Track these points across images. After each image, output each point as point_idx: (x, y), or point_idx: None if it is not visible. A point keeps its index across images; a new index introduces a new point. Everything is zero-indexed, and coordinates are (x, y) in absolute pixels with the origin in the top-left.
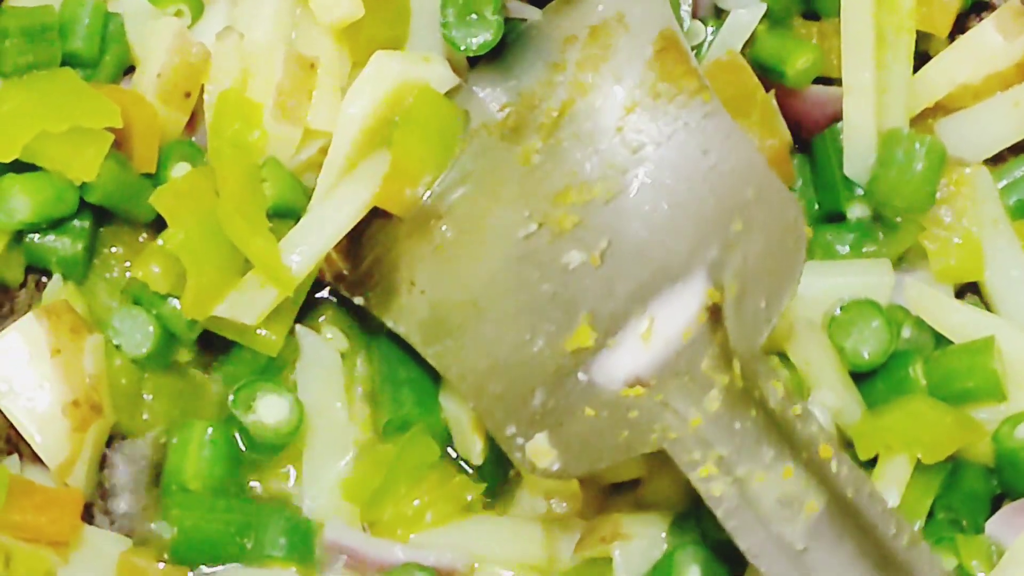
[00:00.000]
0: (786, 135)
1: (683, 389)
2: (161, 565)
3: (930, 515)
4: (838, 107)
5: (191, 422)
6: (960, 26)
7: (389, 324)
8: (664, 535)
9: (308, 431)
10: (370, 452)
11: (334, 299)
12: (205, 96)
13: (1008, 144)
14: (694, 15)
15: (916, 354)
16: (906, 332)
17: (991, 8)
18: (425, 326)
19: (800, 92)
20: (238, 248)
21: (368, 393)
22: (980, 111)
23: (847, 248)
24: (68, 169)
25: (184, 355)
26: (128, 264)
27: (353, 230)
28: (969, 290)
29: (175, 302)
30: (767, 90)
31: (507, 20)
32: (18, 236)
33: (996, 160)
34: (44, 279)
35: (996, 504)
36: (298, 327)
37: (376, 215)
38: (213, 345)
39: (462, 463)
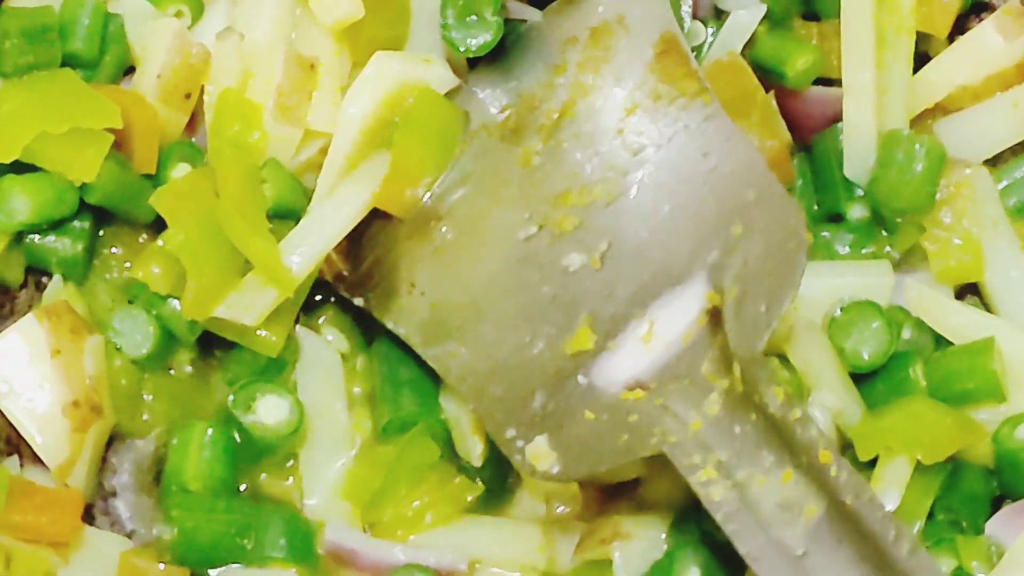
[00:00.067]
0: (786, 136)
1: (683, 393)
2: (161, 566)
3: (930, 516)
4: (838, 108)
5: (191, 423)
6: (960, 27)
7: (389, 325)
8: (664, 536)
9: (308, 432)
10: (370, 453)
11: (334, 300)
12: (205, 97)
13: (1008, 145)
14: (694, 16)
15: (916, 355)
16: (906, 333)
17: (991, 9)
18: (425, 328)
19: (800, 93)
20: (238, 249)
21: (368, 394)
22: (980, 112)
23: (847, 249)
24: (68, 170)
25: (184, 356)
26: (128, 265)
27: (353, 231)
28: (969, 291)
29: (175, 303)
30: (767, 91)
31: (507, 21)
32: (18, 237)
33: (996, 161)
34: (44, 280)
35: (996, 505)
36: (298, 328)
37: (376, 216)
38: (213, 346)
39: (462, 464)
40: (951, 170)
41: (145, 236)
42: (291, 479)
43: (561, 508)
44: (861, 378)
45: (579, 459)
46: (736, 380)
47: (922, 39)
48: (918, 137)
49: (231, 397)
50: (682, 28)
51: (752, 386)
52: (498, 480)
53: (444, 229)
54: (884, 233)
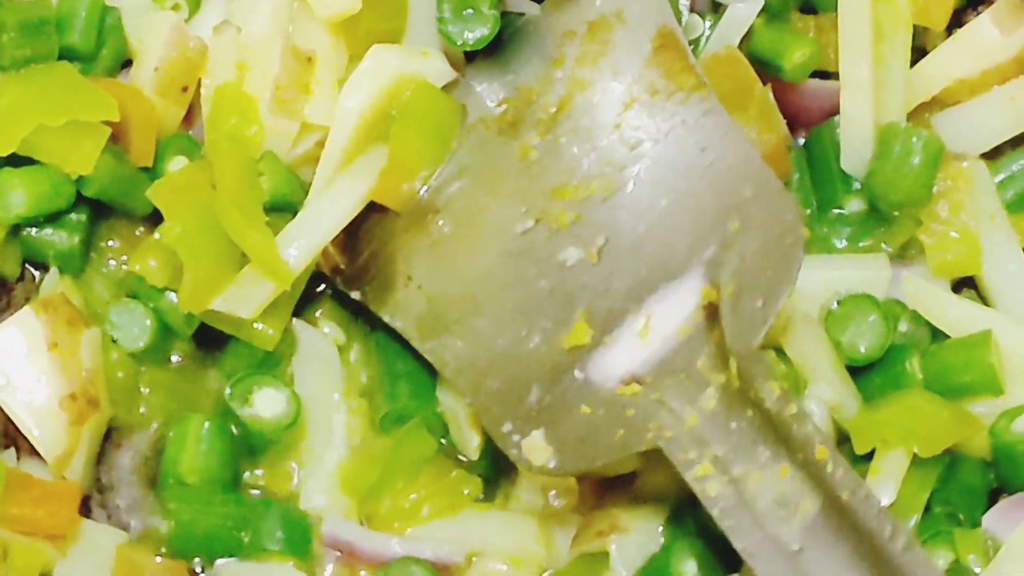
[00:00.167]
0: (783, 129)
1: (679, 388)
2: (158, 559)
3: (927, 509)
4: (835, 101)
5: (188, 416)
6: (957, 20)
7: (386, 319)
8: (660, 529)
9: (305, 425)
10: (367, 446)
11: (331, 293)
12: (202, 90)
13: (1005, 138)
14: (692, 9)
15: (913, 348)
16: (903, 326)
17: (988, 2)
18: (422, 321)
19: (797, 86)
20: (235, 242)
21: (365, 387)
22: (977, 105)
23: (844, 242)
24: (65, 163)
25: (181, 349)
26: (125, 258)
27: (350, 224)
28: (966, 284)
29: (172, 296)
30: (764, 84)
31: (505, 14)
32: (15, 229)
33: (993, 154)
34: (41, 273)
35: (993, 498)
36: (295, 321)
37: (373, 209)
38: (210, 339)
39: (459, 457)
40: (948, 163)
41: (142, 229)
42: (288, 472)
43: (558, 501)
44: (858, 371)
45: (575, 454)
46: (732, 375)
47: (919, 32)
48: (915, 130)
49: (228, 390)
50: (679, 21)
51: (748, 381)
52: (494, 473)
53: (441, 223)
54: (881, 226)
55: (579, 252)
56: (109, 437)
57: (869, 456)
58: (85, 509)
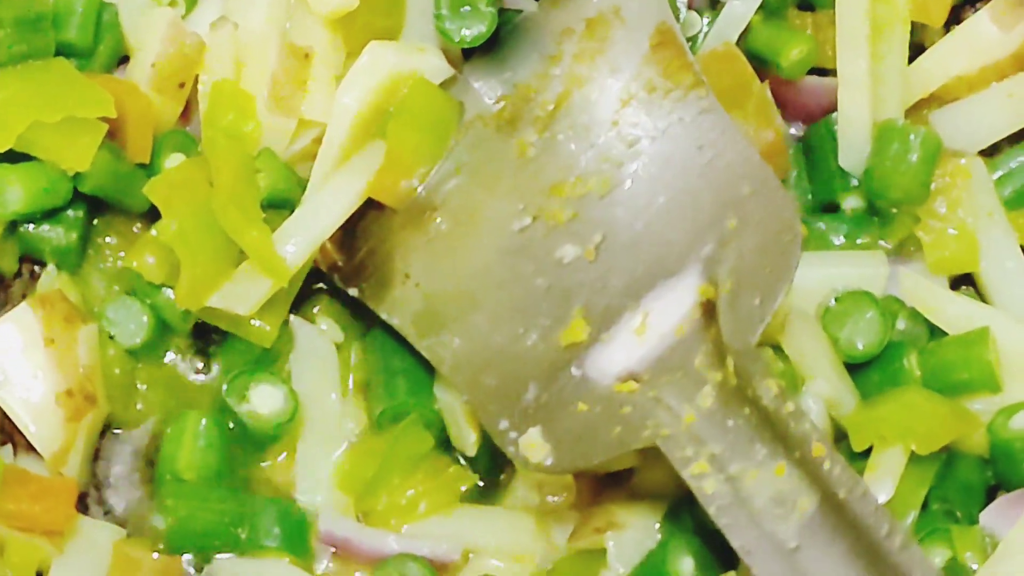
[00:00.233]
0: (781, 126)
1: (676, 385)
2: (155, 555)
3: (924, 506)
4: (833, 98)
5: (185, 412)
6: (955, 17)
7: (383, 316)
8: (658, 525)
9: (302, 421)
10: (364, 442)
11: (329, 290)
12: (199, 86)
13: (1003, 135)
14: (690, 6)
15: (911, 345)
16: (901, 323)
17: None
18: (419, 318)
19: (795, 83)
20: (232, 239)
21: (362, 383)
22: (975, 102)
23: (842, 239)
24: (62, 159)
25: (178, 345)
26: (122, 254)
27: (347, 221)
28: (964, 281)
29: (169, 292)
30: (762, 81)
31: (502, 11)
32: (12, 226)
33: (991, 151)
34: (38, 269)
35: (990, 495)
36: (292, 318)
37: (370, 206)
38: (207, 335)
39: (456, 454)
40: (946, 160)
41: (139, 225)
42: (285, 468)
43: (555, 497)
44: (855, 368)
45: (572, 451)
46: (729, 373)
47: (917, 29)
48: (913, 127)
49: (225, 386)
50: (677, 18)
51: (745, 379)
52: (492, 470)
53: (439, 220)
54: (879, 223)
55: (576, 249)
56: (106, 433)
57: (867, 453)
58: (82, 505)
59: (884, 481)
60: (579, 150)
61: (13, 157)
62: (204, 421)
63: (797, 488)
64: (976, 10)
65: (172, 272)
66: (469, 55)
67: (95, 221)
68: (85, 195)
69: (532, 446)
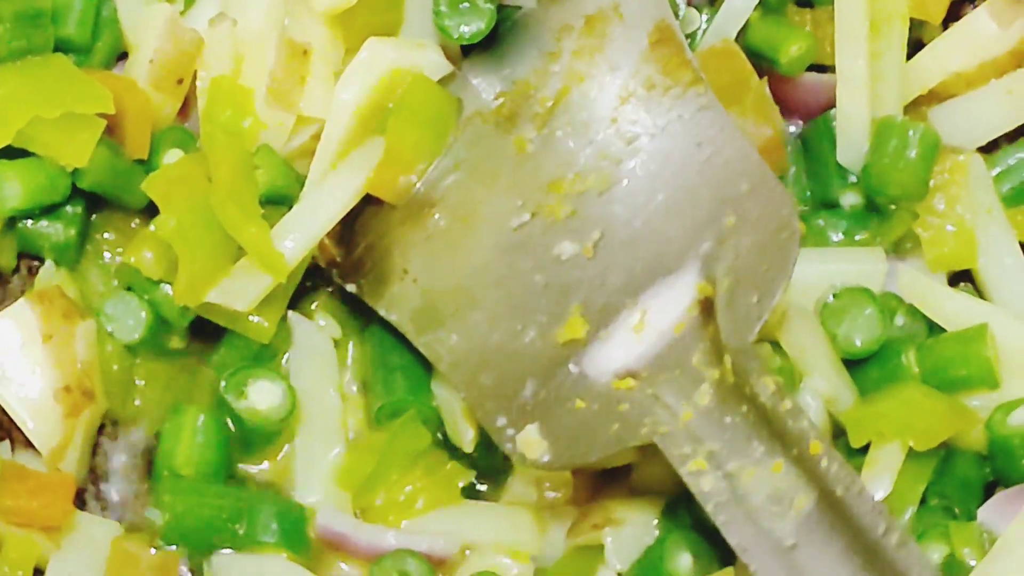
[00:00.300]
0: (779, 122)
1: (674, 383)
2: (153, 551)
3: (922, 502)
4: (832, 95)
5: (183, 408)
6: (954, 13)
7: (381, 312)
8: (656, 521)
9: (300, 417)
10: (362, 438)
11: (327, 286)
12: (198, 82)
13: (1002, 132)
14: (689, 3)
15: (909, 342)
16: (899, 320)
17: None
18: (417, 315)
19: (793, 79)
20: (231, 235)
21: (360, 380)
22: (974, 99)
23: (840, 235)
24: (60, 155)
25: (176, 341)
26: (121, 250)
27: (346, 217)
28: (962, 278)
29: (167, 288)
30: (761, 77)
31: (501, 8)
32: (11, 222)
33: (990, 148)
34: (37, 265)
35: (988, 491)
36: (291, 314)
37: (369, 202)
38: (205, 331)
39: (454, 450)
40: (945, 157)
41: (138, 221)
42: (283, 464)
43: (553, 493)
44: (854, 364)
45: (570, 448)
46: (727, 371)
47: (916, 25)
48: (912, 124)
49: (223, 382)
50: (676, 15)
51: (743, 377)
52: (490, 465)
53: (437, 216)
54: (877, 220)
55: (574, 246)
56: (104, 429)
57: (865, 449)
58: (80, 501)
59: (882, 477)
60: (578, 147)
61: (11, 153)
62: (202, 417)
63: (794, 486)
64: (975, 6)
65: (170, 268)
66: (468, 51)
67: (93, 217)
68: (83, 191)
69: (529, 443)
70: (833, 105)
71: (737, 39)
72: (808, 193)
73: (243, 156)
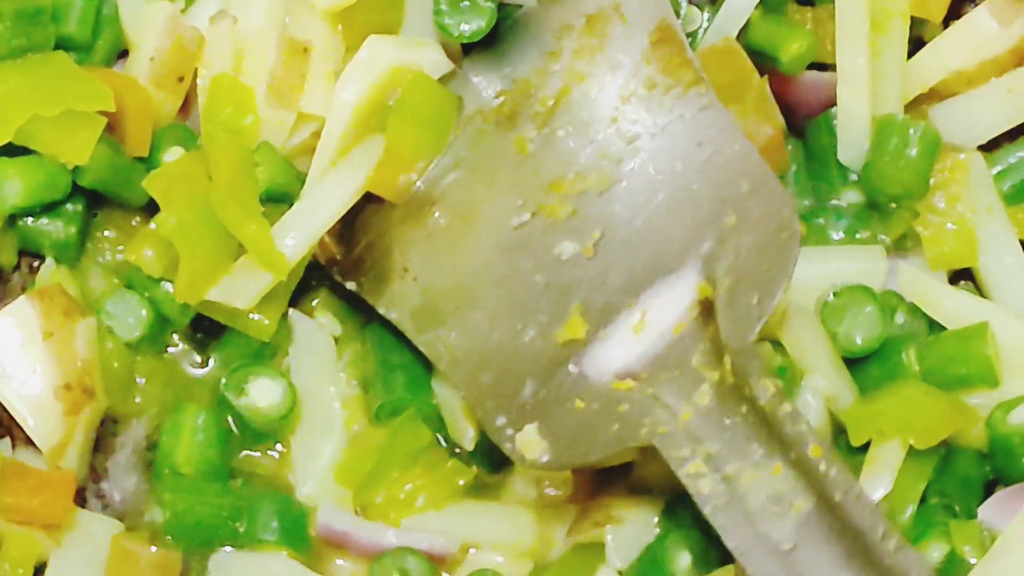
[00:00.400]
0: (780, 121)
1: (674, 383)
2: (153, 549)
3: (923, 500)
4: (832, 93)
5: (184, 406)
6: (954, 12)
7: (381, 311)
8: (656, 519)
9: (301, 415)
10: (363, 436)
11: (327, 284)
12: (198, 80)
13: (1003, 130)
14: (690, 2)
15: (909, 340)
16: (899, 318)
17: None
18: (417, 313)
19: (794, 78)
20: (231, 232)
21: (361, 377)
22: (974, 97)
23: (841, 234)
24: (61, 153)
25: (177, 339)
26: (121, 248)
27: (346, 215)
28: (963, 276)
29: (168, 286)
30: (761, 76)
31: (502, 7)
32: (11, 220)
33: (990, 146)
34: (37, 263)
35: (989, 489)
36: (291, 311)
37: (369, 200)
38: (206, 329)
39: (455, 448)
40: (945, 155)
41: (138, 219)
42: (283, 462)
43: (553, 491)
44: (854, 363)
45: (569, 448)
46: (727, 372)
47: (916, 24)
48: (912, 122)
49: (224, 380)
50: (678, 14)
51: (743, 378)
52: (490, 464)
53: (437, 214)
54: (878, 218)
55: (575, 246)
56: (104, 427)
57: (865, 447)
58: (80, 499)
59: (883, 475)
60: (578, 146)
61: (12, 151)
62: (203, 415)
63: (793, 489)
64: (975, 5)
65: (171, 266)
66: (468, 50)
67: (94, 215)
68: (84, 189)
69: (529, 443)
70: (834, 104)
71: (738, 38)
72: (809, 192)
73: (244, 154)
